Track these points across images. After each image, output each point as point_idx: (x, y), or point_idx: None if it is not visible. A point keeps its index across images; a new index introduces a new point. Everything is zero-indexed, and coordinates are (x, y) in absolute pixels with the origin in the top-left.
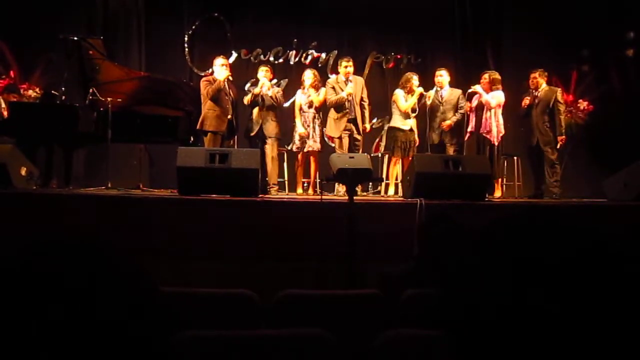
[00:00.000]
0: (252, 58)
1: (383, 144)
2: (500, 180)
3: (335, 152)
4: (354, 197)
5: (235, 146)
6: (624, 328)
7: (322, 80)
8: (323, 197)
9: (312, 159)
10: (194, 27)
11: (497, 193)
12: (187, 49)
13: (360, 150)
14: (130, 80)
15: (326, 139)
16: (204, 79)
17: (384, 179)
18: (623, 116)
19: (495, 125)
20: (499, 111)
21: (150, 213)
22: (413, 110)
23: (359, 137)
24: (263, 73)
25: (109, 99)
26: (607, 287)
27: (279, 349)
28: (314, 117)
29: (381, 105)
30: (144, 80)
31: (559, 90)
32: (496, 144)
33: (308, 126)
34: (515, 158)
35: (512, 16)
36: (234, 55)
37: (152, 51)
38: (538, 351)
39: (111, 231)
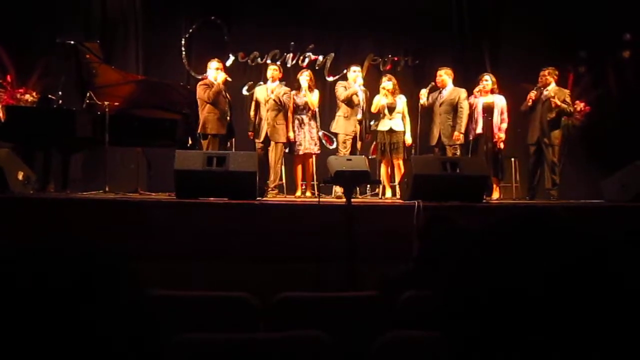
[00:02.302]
0: (249, 61)
1: None
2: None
3: (332, 155)
4: (352, 200)
5: (233, 149)
6: (622, 329)
7: (318, 82)
8: (321, 199)
9: (308, 161)
10: (191, 30)
11: (495, 194)
12: (184, 52)
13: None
14: (127, 84)
15: (323, 141)
16: (201, 82)
17: (381, 182)
18: (620, 117)
19: (499, 128)
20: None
21: (148, 216)
22: (390, 110)
23: (359, 142)
24: (271, 72)
25: (106, 102)
26: (605, 288)
27: (277, 352)
28: (309, 120)
29: None
30: (141, 83)
31: (568, 92)
32: (502, 146)
33: (303, 129)
34: (512, 159)
35: (509, 18)
36: (232, 58)
37: (149, 55)
38: (537, 352)
39: (109, 235)
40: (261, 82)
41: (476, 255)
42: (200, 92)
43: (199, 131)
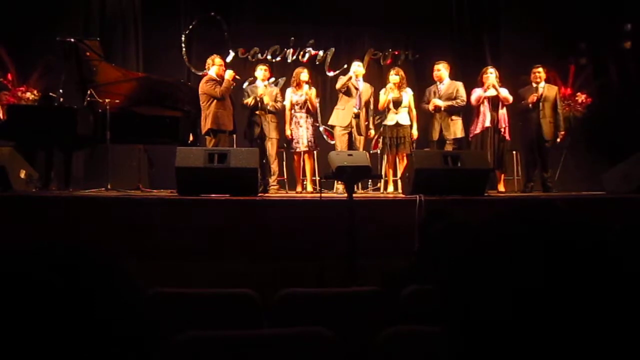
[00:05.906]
0: (249, 57)
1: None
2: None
3: (333, 150)
4: (354, 195)
5: (235, 145)
6: (625, 324)
7: (319, 77)
8: (322, 195)
9: (306, 158)
10: (190, 27)
11: (501, 187)
12: (184, 49)
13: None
14: (128, 81)
15: (325, 136)
16: (208, 79)
17: (383, 176)
18: (621, 108)
19: (506, 121)
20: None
21: (150, 214)
22: (396, 104)
23: (358, 137)
24: (262, 72)
25: (107, 100)
26: (607, 282)
27: (280, 349)
28: (307, 117)
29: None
30: (142, 81)
31: (557, 88)
32: (509, 139)
33: (301, 126)
34: (514, 152)
35: (509, 10)
36: (232, 54)
37: (149, 52)
38: (539, 347)
39: (111, 232)
40: (250, 78)
41: (476, 249)
42: (208, 88)
43: (209, 127)
